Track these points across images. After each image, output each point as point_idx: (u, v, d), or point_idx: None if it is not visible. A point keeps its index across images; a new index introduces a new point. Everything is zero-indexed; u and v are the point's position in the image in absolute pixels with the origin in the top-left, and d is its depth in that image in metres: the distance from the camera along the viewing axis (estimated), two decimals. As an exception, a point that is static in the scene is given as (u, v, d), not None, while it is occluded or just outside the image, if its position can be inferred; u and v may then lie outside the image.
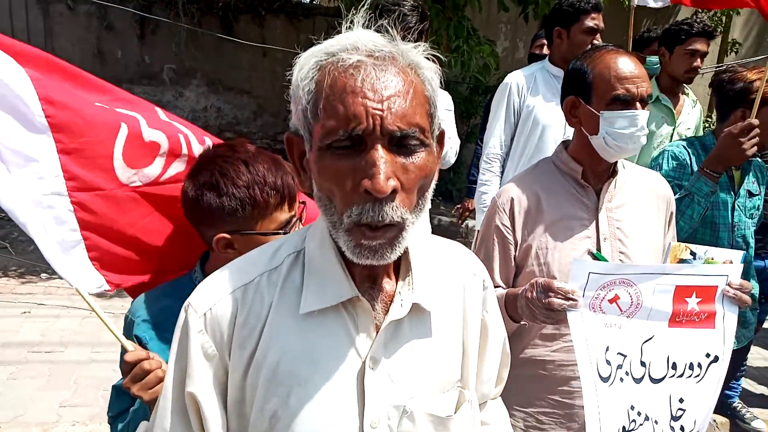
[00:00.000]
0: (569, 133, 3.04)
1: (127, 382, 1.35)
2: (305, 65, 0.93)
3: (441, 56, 0.99)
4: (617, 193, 1.84)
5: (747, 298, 1.74)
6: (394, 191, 0.88)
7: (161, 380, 1.33)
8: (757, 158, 2.76)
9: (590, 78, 1.76)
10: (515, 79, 3.22)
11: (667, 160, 2.61)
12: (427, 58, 0.96)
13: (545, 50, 3.92)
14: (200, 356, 0.99)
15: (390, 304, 1.02)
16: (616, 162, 1.85)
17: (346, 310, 1.00)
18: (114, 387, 1.58)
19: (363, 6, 0.96)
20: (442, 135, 1.00)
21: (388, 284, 1.03)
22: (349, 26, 0.95)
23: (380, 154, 0.87)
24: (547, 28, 3.27)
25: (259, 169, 1.42)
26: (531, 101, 3.15)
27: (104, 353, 4.01)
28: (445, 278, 1.10)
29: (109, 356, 3.97)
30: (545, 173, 1.89)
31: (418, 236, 1.09)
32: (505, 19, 8.06)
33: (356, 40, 0.91)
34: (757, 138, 2.31)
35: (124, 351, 1.42)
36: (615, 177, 1.84)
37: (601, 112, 1.74)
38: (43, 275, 5.26)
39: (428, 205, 0.99)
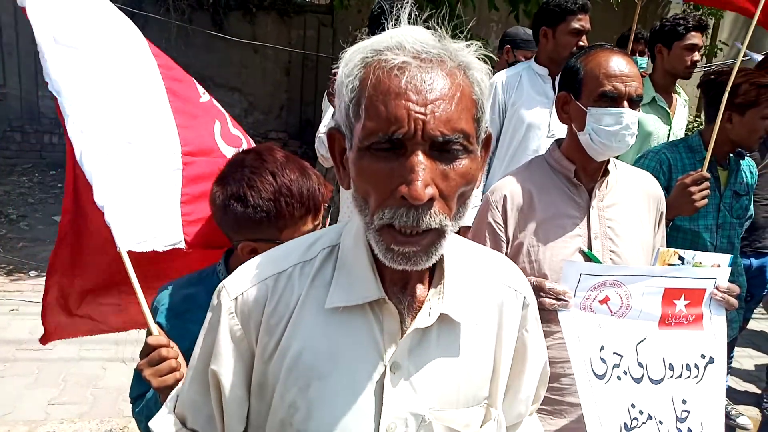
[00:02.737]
0: (554, 131, 3.08)
1: (142, 363, 1.40)
2: (351, 61, 0.90)
3: (494, 56, 0.94)
4: (609, 192, 1.86)
5: (734, 301, 1.76)
6: (432, 199, 0.85)
7: (173, 370, 1.38)
8: (747, 158, 2.79)
9: (582, 74, 1.78)
10: (500, 78, 3.24)
11: (648, 163, 2.62)
12: (478, 58, 0.92)
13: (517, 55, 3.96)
14: (228, 337, 1.01)
15: (419, 311, 1.00)
16: (608, 161, 1.86)
17: (372, 311, 0.99)
18: (136, 369, 1.61)
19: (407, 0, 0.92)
20: (488, 139, 0.97)
21: (419, 290, 1.01)
22: (395, 23, 0.92)
23: (420, 159, 0.84)
24: (534, 28, 3.29)
25: (286, 180, 1.45)
26: (516, 100, 3.17)
27: (93, 351, 3.99)
28: (481, 291, 1.06)
29: (98, 354, 3.95)
30: (538, 171, 1.90)
31: (459, 244, 1.08)
32: (496, 18, 8.08)
33: (403, 39, 0.88)
34: (707, 191, 2.31)
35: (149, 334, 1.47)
36: (607, 176, 1.86)
37: (588, 108, 1.76)
38: (32, 273, 5.21)
39: (468, 212, 0.96)
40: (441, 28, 0.91)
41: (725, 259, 1.82)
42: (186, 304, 1.54)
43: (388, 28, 0.92)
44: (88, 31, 1.79)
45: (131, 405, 1.62)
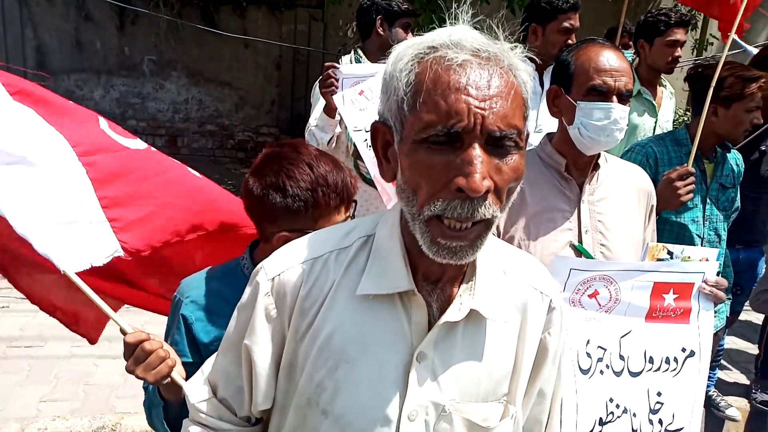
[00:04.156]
0: (541, 126, 3.09)
1: (130, 365, 1.41)
2: (403, 57, 0.94)
3: (537, 59, 0.98)
4: (599, 186, 1.87)
5: (722, 294, 1.78)
6: (487, 191, 0.88)
7: (163, 359, 1.39)
8: (734, 151, 2.81)
9: (572, 68, 1.79)
10: None
11: (634, 157, 2.64)
12: (522, 61, 0.96)
13: None
14: (263, 316, 1.06)
15: (448, 305, 1.03)
16: (599, 155, 1.87)
17: (402, 302, 1.02)
18: (126, 370, 1.62)
19: (465, 1, 0.97)
20: (527, 138, 1.00)
21: (450, 285, 1.04)
22: (452, 21, 0.96)
23: (477, 153, 0.87)
24: (523, 23, 3.29)
25: (322, 171, 1.48)
26: None
27: (85, 348, 3.94)
28: (507, 290, 1.09)
29: (90, 350, 3.92)
30: (529, 165, 1.88)
31: (490, 241, 1.10)
32: (488, 12, 8.08)
33: (461, 37, 0.92)
34: (693, 186, 2.34)
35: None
36: (597, 170, 1.87)
37: (577, 102, 1.77)
38: (22, 269, 5.19)
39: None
40: (498, 28, 0.95)
41: (713, 253, 1.84)
42: (211, 298, 1.56)
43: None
44: None
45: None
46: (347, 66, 2.92)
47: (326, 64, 2.80)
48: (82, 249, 1.60)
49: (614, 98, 1.74)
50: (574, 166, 1.85)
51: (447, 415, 1.03)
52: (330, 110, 2.81)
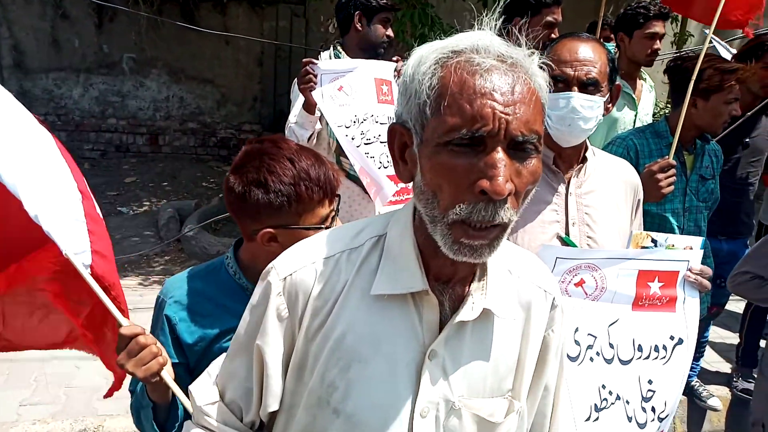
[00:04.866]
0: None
1: (122, 357, 1.39)
2: (426, 60, 0.95)
3: (552, 65, 0.99)
4: (587, 179, 1.88)
5: (707, 283, 1.80)
6: (508, 194, 0.90)
7: (155, 356, 1.38)
8: (713, 142, 2.83)
9: None
10: None
11: (615, 150, 2.65)
12: (540, 67, 0.98)
13: None
14: (274, 316, 1.06)
15: (458, 304, 1.05)
16: (586, 149, 1.89)
17: (414, 302, 1.04)
18: (117, 364, 1.60)
19: (495, 8, 0.99)
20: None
21: (461, 285, 1.06)
22: (479, 26, 0.98)
23: (501, 156, 0.89)
24: (506, 18, 3.29)
25: (304, 165, 1.47)
26: None
27: (65, 350, 3.93)
28: (512, 287, 1.11)
29: (71, 353, 3.87)
30: None
31: None
32: (469, 7, 8.09)
33: (486, 43, 0.94)
34: (674, 178, 2.36)
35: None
36: (585, 163, 1.88)
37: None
38: (1, 271, 5.11)
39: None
40: (521, 34, 0.98)
41: (697, 241, 1.86)
42: (194, 297, 1.55)
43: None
44: None
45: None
46: (326, 62, 2.90)
47: (304, 60, 2.78)
48: (81, 234, 1.59)
49: (575, 88, 1.74)
50: (561, 159, 1.87)
51: (457, 411, 1.05)
52: (309, 106, 2.78)
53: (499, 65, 0.92)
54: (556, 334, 1.17)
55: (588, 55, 1.76)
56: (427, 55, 0.96)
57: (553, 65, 1.74)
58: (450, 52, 0.94)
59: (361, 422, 1.03)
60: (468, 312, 1.03)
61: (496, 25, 0.98)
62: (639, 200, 1.99)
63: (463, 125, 0.89)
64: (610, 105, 1.83)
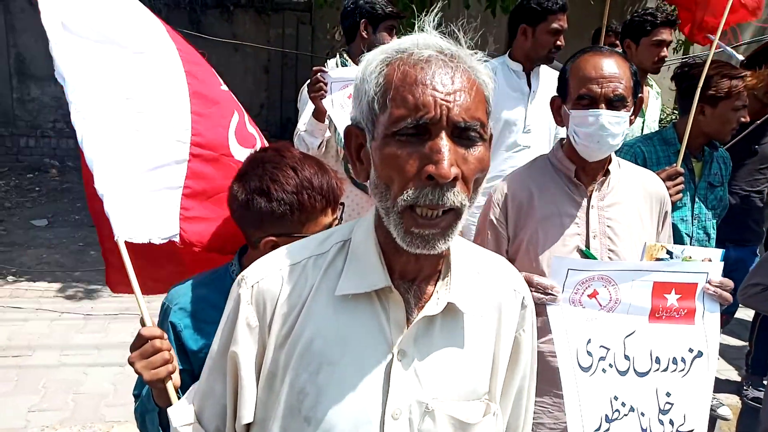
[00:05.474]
0: (530, 126, 3.10)
1: (134, 356, 1.40)
2: (373, 61, 0.99)
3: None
4: (610, 191, 1.88)
5: (727, 295, 1.78)
6: (455, 178, 0.93)
7: (166, 362, 1.39)
8: (721, 149, 2.82)
9: (567, 78, 1.83)
10: None
11: (623, 157, 2.64)
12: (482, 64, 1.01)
13: None
14: (245, 325, 1.07)
15: (425, 302, 1.06)
16: (610, 161, 1.89)
17: (380, 300, 1.04)
18: (128, 361, 1.62)
19: (434, 10, 1.03)
20: (491, 138, 1.04)
21: (426, 283, 1.07)
22: (420, 28, 1.02)
23: (445, 142, 0.92)
24: (511, 23, 3.30)
25: (306, 174, 1.48)
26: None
27: (74, 356, 3.95)
28: (483, 289, 1.12)
29: (79, 359, 3.91)
30: (540, 170, 1.94)
31: (463, 244, 1.15)
32: (474, 14, 8.11)
33: (426, 39, 0.99)
34: (682, 185, 2.34)
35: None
36: (608, 176, 1.88)
37: (570, 111, 1.80)
38: (10, 278, 5.14)
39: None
40: (459, 33, 1.01)
41: (717, 253, 1.82)
42: (199, 304, 1.55)
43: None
44: (99, 16, 1.77)
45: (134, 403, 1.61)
46: (335, 69, 2.91)
47: (314, 68, 2.80)
48: (145, 223, 1.66)
49: (602, 105, 1.75)
50: (583, 172, 1.87)
51: (431, 412, 1.04)
52: (319, 114, 2.80)
53: (438, 57, 0.96)
54: (527, 334, 1.17)
55: (613, 70, 1.75)
56: (374, 57, 1.00)
57: (581, 84, 1.76)
58: (394, 51, 0.98)
59: (333, 428, 1.01)
60: (433, 307, 1.04)
61: (435, 25, 1.01)
62: (666, 212, 1.97)
63: (408, 115, 0.92)
64: (633, 117, 1.83)
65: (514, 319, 1.14)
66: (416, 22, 1.02)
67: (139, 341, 1.41)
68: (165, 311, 1.58)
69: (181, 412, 1.17)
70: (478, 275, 1.12)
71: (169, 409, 1.20)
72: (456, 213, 0.96)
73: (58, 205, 6.99)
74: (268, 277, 1.07)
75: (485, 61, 1.02)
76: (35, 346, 4.05)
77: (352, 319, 1.03)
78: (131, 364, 1.40)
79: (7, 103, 8.13)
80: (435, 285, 1.07)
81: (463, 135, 0.94)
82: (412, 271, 1.05)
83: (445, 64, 0.95)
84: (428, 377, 1.04)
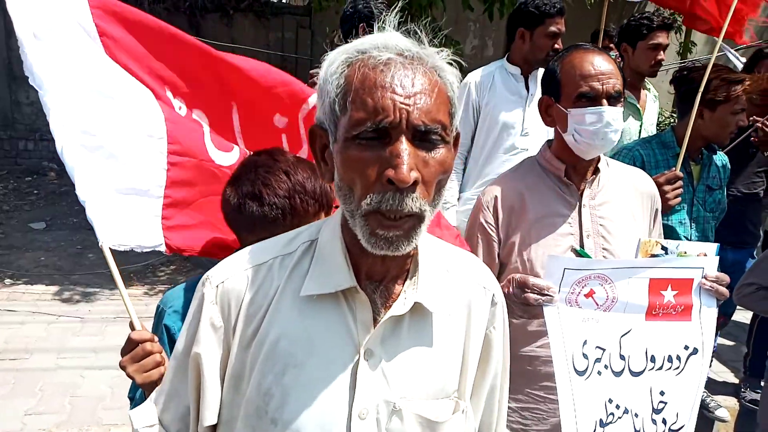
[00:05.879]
0: (528, 129, 3.10)
1: (125, 360, 1.40)
2: (335, 61, 0.98)
3: (461, 62, 1.03)
4: (600, 190, 1.87)
5: (723, 290, 1.77)
6: (415, 182, 0.92)
7: (158, 365, 1.39)
8: (720, 152, 2.83)
9: (559, 77, 1.80)
10: (474, 78, 3.28)
11: (621, 160, 2.65)
12: (450, 63, 1.00)
13: None
14: (208, 325, 1.05)
15: (393, 302, 1.05)
16: (599, 160, 1.88)
17: (346, 301, 1.04)
18: (120, 365, 1.62)
19: (395, 8, 1.02)
20: (457, 137, 1.04)
21: (393, 283, 1.06)
22: (381, 27, 1.01)
23: (404, 146, 0.91)
24: (509, 27, 3.31)
25: (299, 178, 1.48)
26: (489, 100, 3.21)
27: (70, 359, 3.94)
28: (452, 287, 1.11)
29: (76, 362, 3.90)
30: (529, 172, 1.92)
31: (432, 242, 1.14)
32: (474, 18, 8.11)
33: (387, 40, 0.97)
34: (681, 189, 2.35)
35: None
36: (598, 174, 1.87)
37: (568, 110, 1.78)
38: (7, 281, 5.13)
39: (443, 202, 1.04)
40: (421, 33, 1.00)
41: (712, 248, 1.82)
42: None
43: (363, 30, 0.98)
44: (68, 25, 1.79)
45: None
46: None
47: (312, 71, 2.80)
48: (128, 231, 1.68)
49: (604, 101, 1.74)
50: (574, 171, 1.86)
51: (398, 411, 1.03)
52: None
53: (398, 59, 0.94)
54: (497, 331, 1.17)
55: (609, 67, 1.76)
56: (336, 57, 0.99)
57: (581, 82, 1.74)
58: (355, 52, 0.97)
59: (299, 429, 1.00)
60: (400, 306, 1.03)
61: (397, 24, 1.00)
62: (657, 210, 1.96)
63: (367, 118, 0.91)
64: None
65: (484, 317, 1.14)
66: (417, 26, 1.00)
67: (130, 345, 1.41)
68: (159, 314, 1.58)
69: (144, 413, 1.15)
70: (447, 273, 1.12)
71: (130, 411, 1.18)
72: (417, 219, 0.95)
73: (56, 208, 6.98)
74: (233, 276, 1.06)
75: (452, 60, 1.01)
76: (32, 349, 4.04)
77: (319, 319, 1.03)
78: (123, 368, 1.41)
79: (6, 106, 8.12)
80: (403, 285, 1.06)
81: (424, 138, 0.93)
82: (379, 272, 1.05)
83: (405, 66, 0.94)
84: (396, 377, 1.03)
